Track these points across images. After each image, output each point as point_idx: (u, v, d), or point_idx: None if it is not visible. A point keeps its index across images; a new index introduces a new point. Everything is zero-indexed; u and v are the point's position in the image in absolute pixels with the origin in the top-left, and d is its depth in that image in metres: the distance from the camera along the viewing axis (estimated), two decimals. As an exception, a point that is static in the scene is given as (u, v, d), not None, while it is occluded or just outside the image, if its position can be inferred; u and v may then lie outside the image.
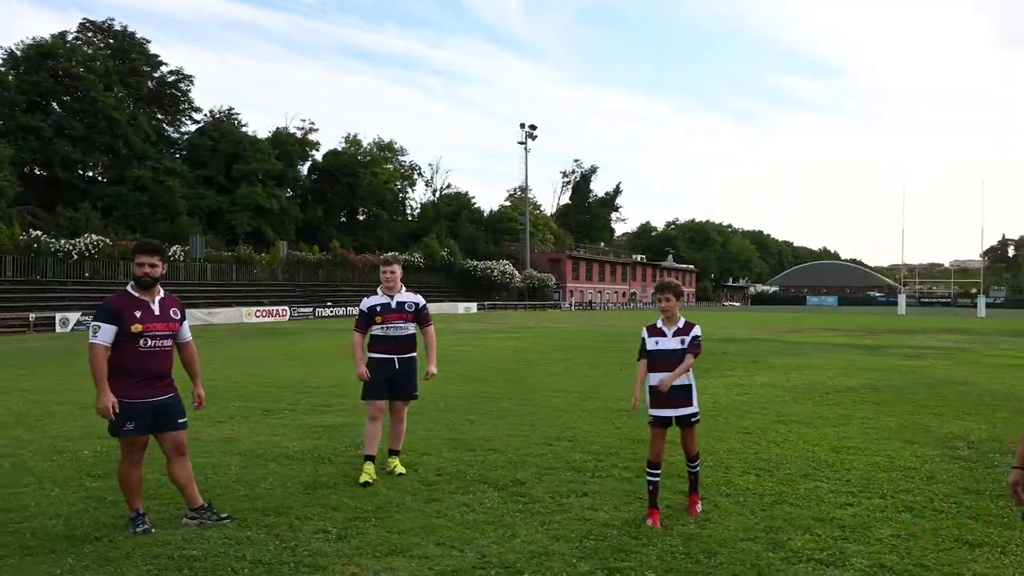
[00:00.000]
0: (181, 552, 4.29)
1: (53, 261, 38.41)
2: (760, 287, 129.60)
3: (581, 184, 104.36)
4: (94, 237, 40.68)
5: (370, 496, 5.44)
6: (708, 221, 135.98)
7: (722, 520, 4.98)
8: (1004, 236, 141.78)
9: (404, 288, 6.22)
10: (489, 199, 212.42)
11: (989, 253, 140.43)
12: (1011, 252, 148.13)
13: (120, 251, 41.66)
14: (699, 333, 5.12)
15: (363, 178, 68.32)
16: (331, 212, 69.14)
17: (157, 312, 4.70)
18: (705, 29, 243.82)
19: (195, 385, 5.03)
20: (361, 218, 73.77)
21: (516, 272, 68.15)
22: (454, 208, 77.71)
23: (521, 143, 73.19)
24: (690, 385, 5.13)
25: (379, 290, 6.15)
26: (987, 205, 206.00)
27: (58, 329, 31.09)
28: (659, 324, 5.20)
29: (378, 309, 6.04)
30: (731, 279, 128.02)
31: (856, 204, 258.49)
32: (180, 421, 4.82)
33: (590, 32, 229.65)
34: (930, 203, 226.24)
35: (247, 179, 58.25)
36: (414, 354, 6.14)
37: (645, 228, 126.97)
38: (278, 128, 66.25)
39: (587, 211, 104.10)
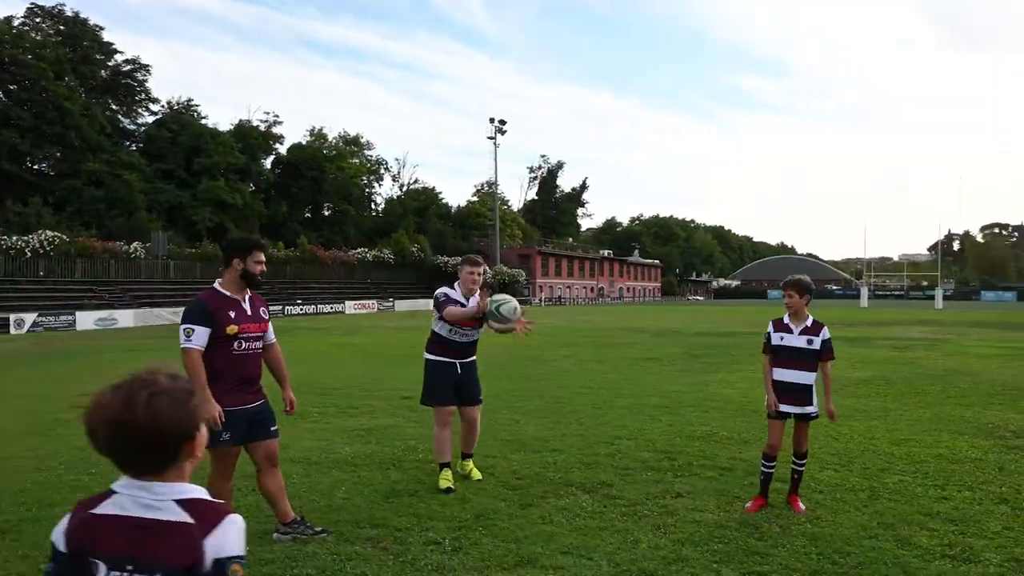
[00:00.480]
0: (292, 572, 4.04)
1: (5, 259, 36.91)
2: (723, 281, 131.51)
3: (548, 180, 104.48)
4: (49, 233, 39.22)
5: (460, 503, 5.24)
6: (672, 217, 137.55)
7: (832, 518, 4.92)
8: (950, 231, 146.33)
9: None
10: (457, 195, 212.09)
11: (936, 248, 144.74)
12: (956, 246, 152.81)
13: (78, 248, 40.28)
14: (829, 336, 5.12)
15: (329, 172, 67.27)
16: (296, 207, 67.92)
17: (249, 312, 4.41)
18: (666, 28, 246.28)
19: (285, 389, 4.76)
20: (327, 213, 72.62)
21: (487, 268, 67.78)
22: (422, 203, 77.05)
23: (491, 138, 72.81)
24: (811, 385, 5.09)
25: (457, 287, 5.79)
26: (935, 201, 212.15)
27: (12, 331, 29.61)
28: (785, 320, 5.19)
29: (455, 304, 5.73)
30: (694, 273, 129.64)
31: (809, 200, 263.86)
32: (273, 429, 4.57)
33: (554, 28, 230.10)
34: (879, 199, 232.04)
35: (209, 173, 56.82)
36: (474, 357, 5.91)
37: (611, 223, 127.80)
38: (241, 121, 64.69)
39: (554, 207, 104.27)
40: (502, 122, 73.04)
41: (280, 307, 45.32)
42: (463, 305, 5.65)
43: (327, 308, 48.88)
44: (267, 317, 4.58)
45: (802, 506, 5.11)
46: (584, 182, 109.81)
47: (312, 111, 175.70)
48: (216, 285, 4.38)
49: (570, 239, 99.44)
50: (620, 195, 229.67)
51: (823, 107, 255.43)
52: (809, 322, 5.14)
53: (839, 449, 6.95)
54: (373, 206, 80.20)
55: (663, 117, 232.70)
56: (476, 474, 5.86)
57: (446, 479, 5.61)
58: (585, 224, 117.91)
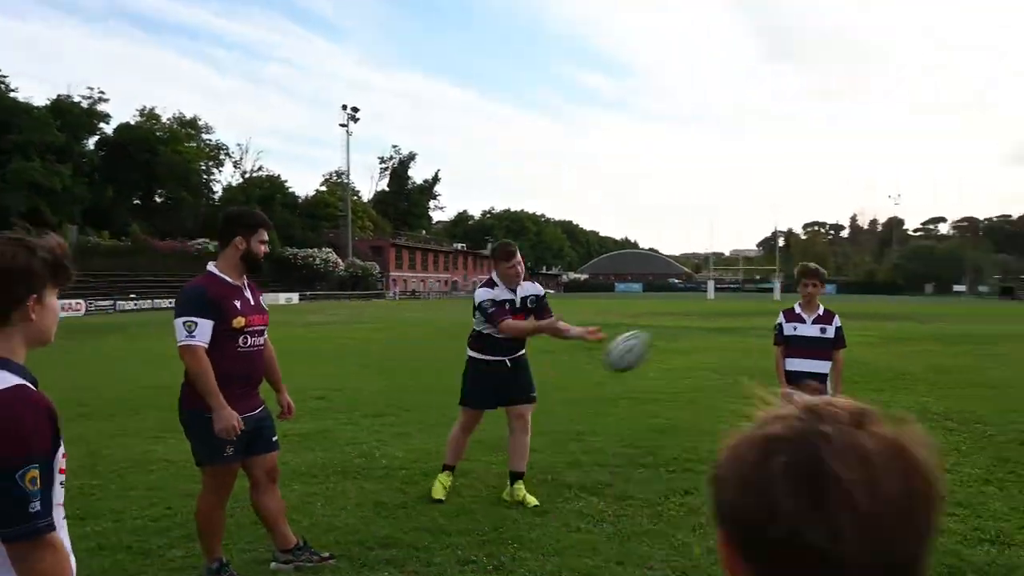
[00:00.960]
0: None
1: None
2: (572, 275, 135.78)
3: (399, 171, 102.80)
4: None
5: (465, 514, 4.79)
6: (523, 211, 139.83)
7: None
8: (775, 229, 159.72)
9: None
10: (305, 184, 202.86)
11: (765, 243, 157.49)
12: (781, 242, 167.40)
13: None
14: (840, 324, 5.12)
15: (163, 156, 62.25)
16: (124, 192, 62.34)
17: (252, 301, 3.74)
18: (507, 22, 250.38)
19: (280, 392, 4.10)
20: (159, 200, 67.24)
21: (340, 260, 65.72)
22: (266, 192, 73.16)
23: (343, 125, 70.65)
24: (827, 374, 5.09)
25: (498, 281, 5.14)
26: (763, 199, 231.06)
27: None
28: (797, 309, 5.17)
29: (506, 307, 5.08)
30: (545, 267, 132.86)
31: (648, 197, 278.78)
32: (274, 439, 3.92)
33: (395, 14, 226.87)
34: (712, 197, 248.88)
35: (21, 152, 50.75)
36: (524, 351, 5.30)
37: (463, 216, 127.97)
38: (59, 96, 58.29)
39: (406, 198, 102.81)
40: (355, 109, 71.18)
41: (111, 302, 41.42)
42: (513, 299, 5.06)
43: (165, 303, 45.23)
44: (266, 308, 3.92)
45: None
46: (436, 174, 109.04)
47: (142, 92, 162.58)
48: (212, 268, 3.67)
49: (423, 232, 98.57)
50: (472, 189, 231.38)
51: (656, 107, 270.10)
52: (821, 311, 5.16)
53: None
54: (211, 194, 75.23)
55: (513, 111, 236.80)
56: (531, 499, 4.98)
57: (442, 486, 5.13)
58: (437, 217, 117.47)
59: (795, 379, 5.06)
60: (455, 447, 5.28)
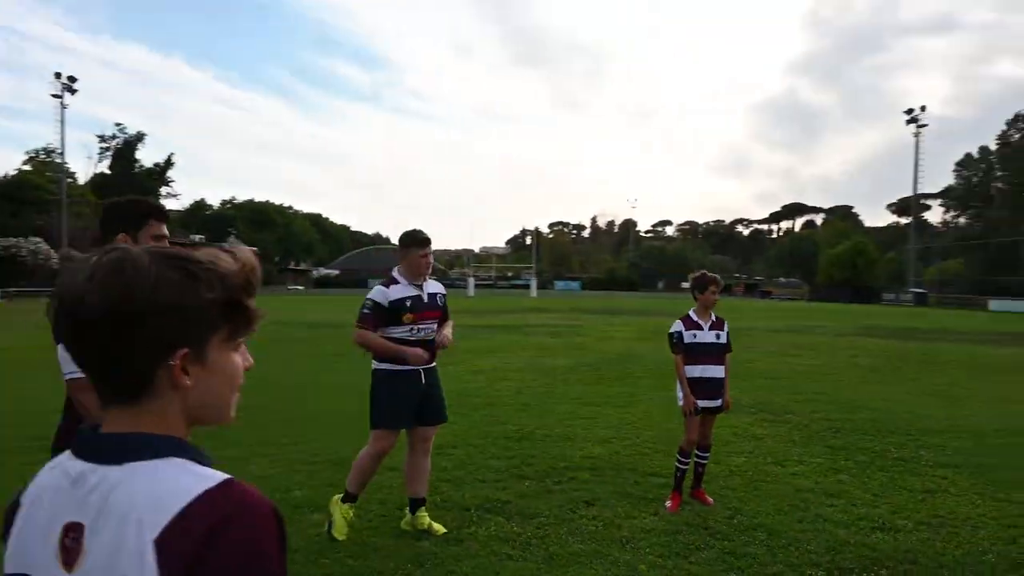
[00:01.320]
0: None
1: None
2: (323, 270, 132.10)
3: (125, 152, 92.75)
4: None
5: (378, 552, 4.31)
6: (268, 202, 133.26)
7: (746, 506, 5.21)
8: (523, 228, 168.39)
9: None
10: (2, 162, 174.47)
11: (512, 242, 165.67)
12: (528, 241, 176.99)
13: None
14: (728, 329, 5.37)
15: None
16: None
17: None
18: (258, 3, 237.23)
19: None
20: None
21: (52, 251, 57.47)
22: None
23: (56, 96, 61.85)
24: (724, 378, 5.31)
25: (400, 277, 4.66)
26: (511, 199, 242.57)
27: None
28: (693, 316, 5.30)
29: (408, 304, 4.57)
30: (294, 263, 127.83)
31: (401, 191, 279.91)
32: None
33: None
34: (462, 194, 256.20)
35: None
36: (435, 364, 4.79)
37: (200, 205, 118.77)
38: None
39: (132, 183, 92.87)
40: (71, 79, 62.68)
41: None
42: (418, 295, 4.59)
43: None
44: None
45: (710, 499, 5.32)
46: (169, 158, 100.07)
47: None
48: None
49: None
50: (212, 177, 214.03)
51: (418, 105, 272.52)
52: (714, 317, 5.39)
53: (657, 438, 7.42)
54: None
55: (259, 98, 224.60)
56: (438, 527, 4.68)
57: (345, 521, 4.57)
58: (171, 205, 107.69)
59: (700, 385, 5.23)
60: (362, 475, 4.71)
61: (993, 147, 79.24)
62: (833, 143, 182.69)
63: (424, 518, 4.70)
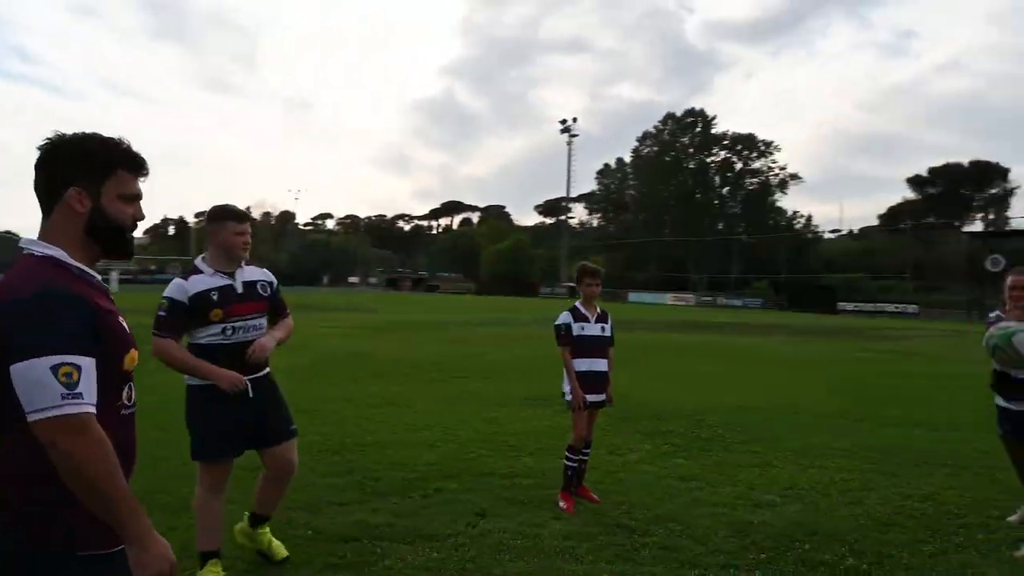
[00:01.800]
0: None
1: None
2: None
3: None
4: None
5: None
6: None
7: (653, 502, 5.23)
8: (166, 216, 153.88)
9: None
10: None
11: (152, 231, 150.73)
12: (172, 230, 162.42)
13: None
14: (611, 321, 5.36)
15: None
16: None
17: None
18: None
19: None
20: None
21: None
22: None
23: None
24: (608, 372, 5.28)
25: (203, 266, 3.68)
26: (153, 181, 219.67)
27: None
28: (581, 308, 5.23)
29: (214, 297, 3.60)
30: None
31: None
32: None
33: None
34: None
35: None
36: (269, 369, 3.84)
37: None
38: None
39: None
40: None
41: None
42: (227, 285, 3.65)
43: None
44: None
45: (595, 496, 5.25)
46: None
47: None
48: None
49: None
50: None
51: (50, 75, 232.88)
52: (599, 309, 5.33)
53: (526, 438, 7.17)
54: None
55: None
56: (280, 550, 3.98)
57: None
58: None
59: (589, 379, 5.12)
60: (209, 522, 3.71)
61: (628, 159, 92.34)
62: (486, 145, 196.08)
63: (266, 535, 4.02)
